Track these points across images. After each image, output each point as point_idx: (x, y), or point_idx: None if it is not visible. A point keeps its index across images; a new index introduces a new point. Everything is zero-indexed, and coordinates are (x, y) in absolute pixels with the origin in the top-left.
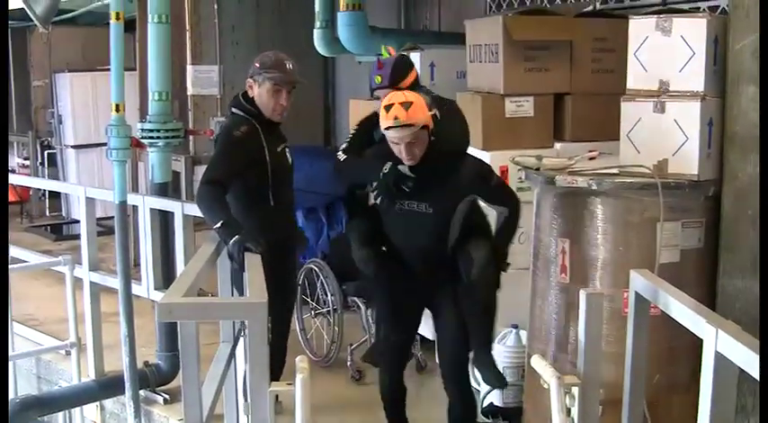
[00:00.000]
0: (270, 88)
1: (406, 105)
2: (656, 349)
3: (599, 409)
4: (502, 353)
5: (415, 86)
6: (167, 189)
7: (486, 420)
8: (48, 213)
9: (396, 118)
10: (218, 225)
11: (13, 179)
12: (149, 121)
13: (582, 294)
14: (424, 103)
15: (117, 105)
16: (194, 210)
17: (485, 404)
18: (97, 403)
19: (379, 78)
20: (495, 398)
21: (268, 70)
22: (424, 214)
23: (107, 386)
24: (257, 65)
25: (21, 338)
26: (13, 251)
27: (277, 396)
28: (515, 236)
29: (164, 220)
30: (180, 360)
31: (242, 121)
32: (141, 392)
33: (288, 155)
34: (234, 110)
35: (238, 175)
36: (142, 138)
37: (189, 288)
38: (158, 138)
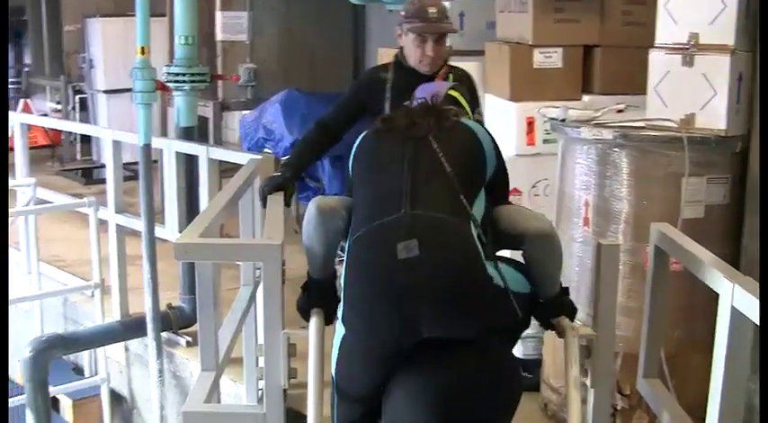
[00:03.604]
0: (414, 38)
1: None
2: (676, 305)
3: (617, 361)
4: None
5: None
6: (193, 133)
7: None
8: (78, 157)
9: None
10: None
11: (40, 122)
12: (175, 65)
13: (597, 246)
14: None
15: (142, 48)
16: (219, 154)
17: None
18: (122, 344)
19: None
20: (517, 350)
21: (409, 20)
22: None
23: (131, 327)
24: (401, 13)
25: (47, 279)
26: (40, 193)
27: None
28: None
29: (189, 164)
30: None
31: (380, 69)
32: (164, 334)
33: None
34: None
35: (353, 121)
36: (168, 81)
37: (206, 229)
38: (184, 81)
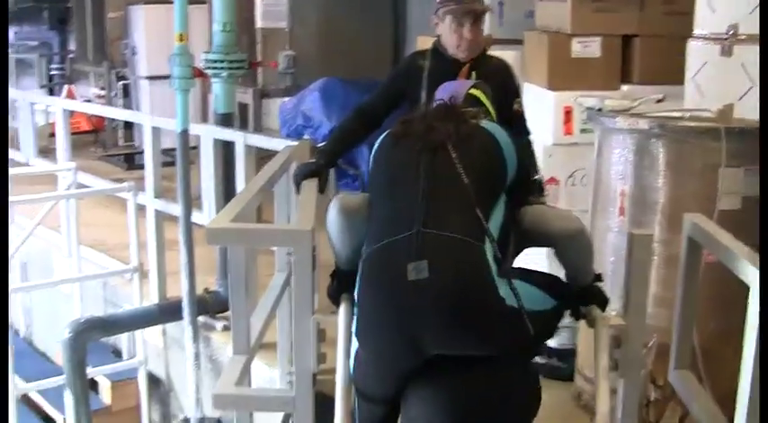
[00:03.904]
0: (450, 22)
1: None
2: (710, 296)
3: (652, 352)
4: None
5: None
6: (231, 120)
7: (540, 361)
8: (121, 143)
9: None
10: (318, 149)
11: (80, 107)
12: (213, 52)
13: (629, 235)
14: None
15: (181, 35)
16: (256, 140)
17: None
18: (160, 327)
19: None
20: (551, 340)
21: (445, 3)
22: None
23: (168, 311)
24: (437, 0)
25: (88, 262)
26: (81, 178)
27: None
28: None
29: (227, 151)
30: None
31: (419, 55)
32: (201, 318)
33: None
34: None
35: (392, 108)
36: (206, 68)
37: (238, 213)
38: (222, 68)
